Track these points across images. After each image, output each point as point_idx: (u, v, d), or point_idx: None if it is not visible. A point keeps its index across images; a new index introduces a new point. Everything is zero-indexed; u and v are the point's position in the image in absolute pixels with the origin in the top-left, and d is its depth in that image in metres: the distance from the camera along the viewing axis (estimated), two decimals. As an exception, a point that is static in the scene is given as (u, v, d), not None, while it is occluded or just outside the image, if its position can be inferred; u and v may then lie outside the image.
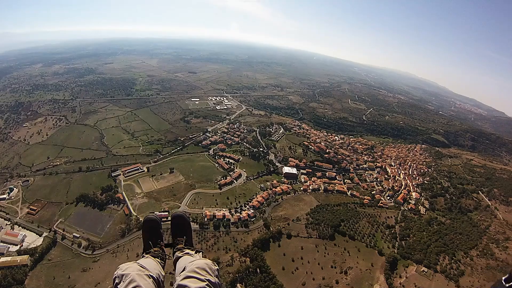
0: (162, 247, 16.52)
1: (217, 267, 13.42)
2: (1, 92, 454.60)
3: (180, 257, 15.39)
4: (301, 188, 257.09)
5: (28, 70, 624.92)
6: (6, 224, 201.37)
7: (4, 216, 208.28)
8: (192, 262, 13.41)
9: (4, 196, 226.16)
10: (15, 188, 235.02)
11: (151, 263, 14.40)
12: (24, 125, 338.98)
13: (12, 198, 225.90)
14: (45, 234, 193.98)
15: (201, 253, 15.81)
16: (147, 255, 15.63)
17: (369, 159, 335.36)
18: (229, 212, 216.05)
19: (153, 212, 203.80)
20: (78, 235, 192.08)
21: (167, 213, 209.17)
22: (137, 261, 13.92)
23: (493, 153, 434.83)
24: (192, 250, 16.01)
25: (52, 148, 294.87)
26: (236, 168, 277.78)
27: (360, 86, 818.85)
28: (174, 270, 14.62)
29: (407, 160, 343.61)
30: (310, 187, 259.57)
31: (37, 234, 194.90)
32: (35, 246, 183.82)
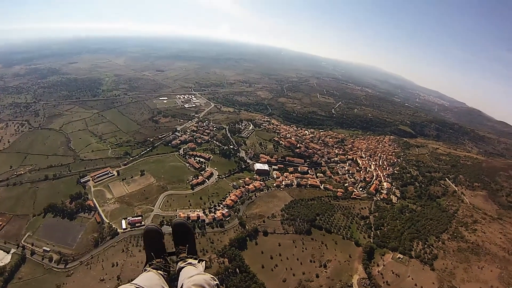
0: (165, 257, 16.09)
1: (217, 282, 13.10)
2: None
3: (183, 267, 15.08)
4: (274, 184, 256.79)
5: None
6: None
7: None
8: (190, 279, 13.15)
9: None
10: None
11: (152, 278, 13.97)
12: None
13: None
14: (13, 250, 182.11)
15: (204, 261, 15.67)
16: (149, 268, 15.02)
17: (340, 152, 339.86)
18: (203, 213, 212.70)
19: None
20: (48, 249, 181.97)
21: (140, 217, 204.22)
22: (134, 281, 13.07)
23: (457, 142, 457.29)
24: (195, 259, 15.78)
25: (15, 156, 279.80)
26: (208, 167, 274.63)
27: (328, 80, 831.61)
28: (177, 280, 14.36)
29: (377, 152, 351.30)
30: (283, 183, 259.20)
31: (4, 251, 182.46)
32: (3, 264, 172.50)
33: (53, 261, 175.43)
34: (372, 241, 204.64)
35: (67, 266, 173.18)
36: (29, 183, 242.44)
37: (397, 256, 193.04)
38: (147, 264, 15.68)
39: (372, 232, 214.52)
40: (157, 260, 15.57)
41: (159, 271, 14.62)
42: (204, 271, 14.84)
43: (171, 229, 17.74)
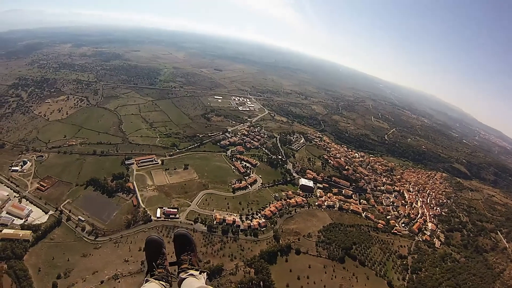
0: (166, 268, 15.88)
1: None
2: (30, 66, 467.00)
3: (185, 278, 14.78)
4: (316, 203, 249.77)
5: (57, 48, 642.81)
6: (15, 196, 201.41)
7: (14, 188, 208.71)
8: None
9: (17, 168, 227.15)
10: (28, 162, 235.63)
11: None
12: (46, 101, 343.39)
13: (25, 171, 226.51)
14: (51, 212, 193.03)
15: (205, 273, 15.38)
16: (151, 279, 14.78)
17: (387, 181, 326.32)
18: (239, 218, 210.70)
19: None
20: (83, 219, 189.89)
21: (176, 210, 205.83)
22: None
23: None
24: (197, 271, 15.36)
25: (70, 127, 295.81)
26: (252, 173, 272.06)
27: (384, 104, 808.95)
28: None
29: (426, 188, 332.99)
30: (325, 203, 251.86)
31: (43, 211, 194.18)
32: (40, 223, 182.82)
33: (85, 231, 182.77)
34: (406, 285, 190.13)
35: (97, 239, 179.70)
36: (78, 155, 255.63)
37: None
38: (148, 274, 15.36)
39: (407, 275, 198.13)
40: (158, 270, 15.35)
41: (161, 282, 14.52)
42: (206, 283, 14.89)
43: (173, 239, 17.47)
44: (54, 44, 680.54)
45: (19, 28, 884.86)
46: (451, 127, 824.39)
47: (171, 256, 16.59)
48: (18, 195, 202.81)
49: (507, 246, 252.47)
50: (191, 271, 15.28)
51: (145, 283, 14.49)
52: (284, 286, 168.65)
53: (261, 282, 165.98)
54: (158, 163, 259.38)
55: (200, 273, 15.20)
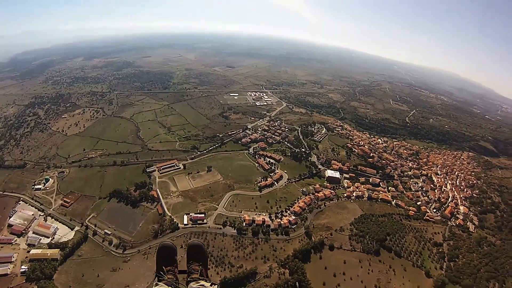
0: (176, 275, 15.78)
1: None
2: (44, 84, 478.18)
3: None
4: (345, 194, 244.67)
5: (69, 63, 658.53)
6: (40, 215, 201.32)
7: (38, 206, 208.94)
8: None
9: (40, 186, 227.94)
10: (50, 179, 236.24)
11: None
12: (63, 116, 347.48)
13: (48, 188, 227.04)
14: (77, 228, 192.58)
15: (216, 286, 14.80)
16: (160, 283, 14.49)
17: (414, 165, 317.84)
18: (269, 217, 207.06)
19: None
20: (109, 232, 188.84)
21: (203, 215, 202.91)
22: None
23: None
24: (208, 282, 14.97)
25: (88, 140, 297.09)
26: (277, 169, 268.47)
27: (401, 86, 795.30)
28: None
29: (454, 169, 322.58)
30: (354, 194, 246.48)
31: (69, 227, 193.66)
32: (66, 240, 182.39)
33: (112, 245, 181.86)
34: (444, 274, 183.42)
35: (125, 252, 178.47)
36: (98, 167, 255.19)
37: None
38: (156, 278, 15.36)
39: (444, 263, 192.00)
40: (168, 276, 15.24)
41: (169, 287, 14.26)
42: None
43: (186, 248, 17.43)
44: (66, 59, 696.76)
45: (33, 49, 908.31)
46: (472, 104, 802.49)
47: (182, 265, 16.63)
48: (43, 213, 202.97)
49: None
50: (202, 282, 14.97)
51: (155, 287, 14.34)
52: (320, 285, 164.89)
53: (297, 282, 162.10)
54: (180, 167, 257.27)
55: (211, 285, 14.78)
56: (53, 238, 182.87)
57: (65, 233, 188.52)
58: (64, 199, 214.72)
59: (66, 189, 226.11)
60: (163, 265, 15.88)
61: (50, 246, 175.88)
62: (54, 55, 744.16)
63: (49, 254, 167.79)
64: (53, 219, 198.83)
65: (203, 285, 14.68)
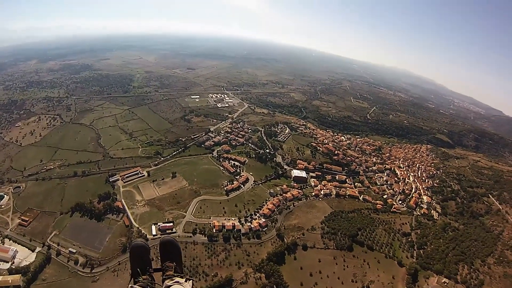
0: (151, 274, 15.50)
1: None
2: None
3: (170, 286, 14.36)
4: (313, 193, 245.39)
5: (22, 66, 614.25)
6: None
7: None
8: None
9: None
10: (5, 196, 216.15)
11: None
12: (16, 125, 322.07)
13: (2, 207, 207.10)
14: (38, 249, 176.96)
15: (191, 281, 14.80)
16: (135, 286, 14.40)
17: (377, 160, 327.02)
18: (238, 222, 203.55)
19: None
20: (74, 251, 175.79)
21: (171, 224, 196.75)
22: None
23: (497, 154, 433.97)
24: (182, 278, 14.89)
25: (45, 149, 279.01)
26: (243, 171, 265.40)
27: (361, 84, 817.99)
28: None
29: (415, 162, 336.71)
30: (322, 192, 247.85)
31: (29, 249, 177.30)
32: (28, 263, 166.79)
33: (78, 264, 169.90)
34: (415, 262, 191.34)
35: (93, 271, 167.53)
36: (58, 179, 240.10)
37: (443, 281, 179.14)
38: (132, 281, 15.11)
39: (415, 251, 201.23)
40: (143, 277, 14.91)
41: None
42: None
43: (159, 246, 16.77)
44: (19, 62, 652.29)
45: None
46: (427, 100, 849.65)
47: (157, 263, 16.20)
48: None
49: (500, 208, 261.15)
50: (177, 278, 14.77)
51: None
52: (298, 286, 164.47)
53: (275, 286, 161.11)
54: (144, 175, 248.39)
55: (186, 281, 14.60)
56: (13, 263, 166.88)
57: (25, 256, 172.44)
58: (22, 217, 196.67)
59: (23, 206, 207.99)
60: (137, 266, 15.39)
61: (10, 271, 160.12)
62: (4, 58, 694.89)
63: (10, 281, 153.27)
64: (11, 240, 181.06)
65: (178, 282, 14.51)
